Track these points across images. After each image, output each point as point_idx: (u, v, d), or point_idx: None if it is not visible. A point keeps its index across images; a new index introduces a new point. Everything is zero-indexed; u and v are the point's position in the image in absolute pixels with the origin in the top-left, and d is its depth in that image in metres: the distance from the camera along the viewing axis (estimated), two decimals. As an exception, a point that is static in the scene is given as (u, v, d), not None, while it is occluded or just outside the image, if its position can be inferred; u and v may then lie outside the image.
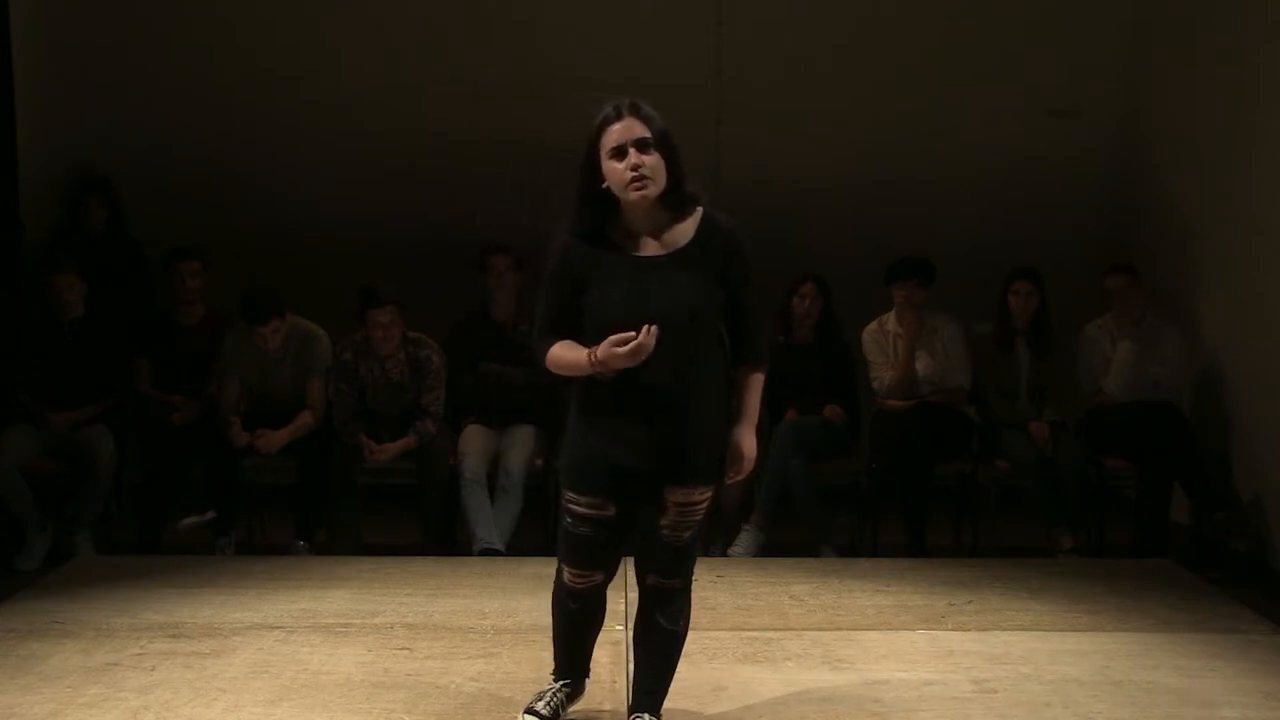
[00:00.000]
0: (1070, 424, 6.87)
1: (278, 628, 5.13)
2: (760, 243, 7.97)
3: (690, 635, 4.96)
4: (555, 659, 4.04)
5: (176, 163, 7.92)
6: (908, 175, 8.03)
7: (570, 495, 3.77)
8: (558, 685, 4.01)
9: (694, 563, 3.87)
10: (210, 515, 6.55)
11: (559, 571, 3.89)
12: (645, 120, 3.63)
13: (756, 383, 3.80)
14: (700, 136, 8.03)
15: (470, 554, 6.40)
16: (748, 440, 3.77)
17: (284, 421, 6.64)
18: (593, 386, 3.68)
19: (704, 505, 3.75)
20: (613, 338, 3.52)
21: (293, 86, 7.97)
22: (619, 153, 3.60)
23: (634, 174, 3.58)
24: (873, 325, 6.99)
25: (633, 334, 3.50)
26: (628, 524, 3.75)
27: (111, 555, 6.46)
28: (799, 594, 5.69)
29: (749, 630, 5.13)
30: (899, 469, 6.69)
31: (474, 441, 6.68)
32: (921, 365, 6.87)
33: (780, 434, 6.67)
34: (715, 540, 6.66)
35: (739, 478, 3.83)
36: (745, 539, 6.57)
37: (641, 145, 3.60)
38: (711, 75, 8.08)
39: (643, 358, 3.51)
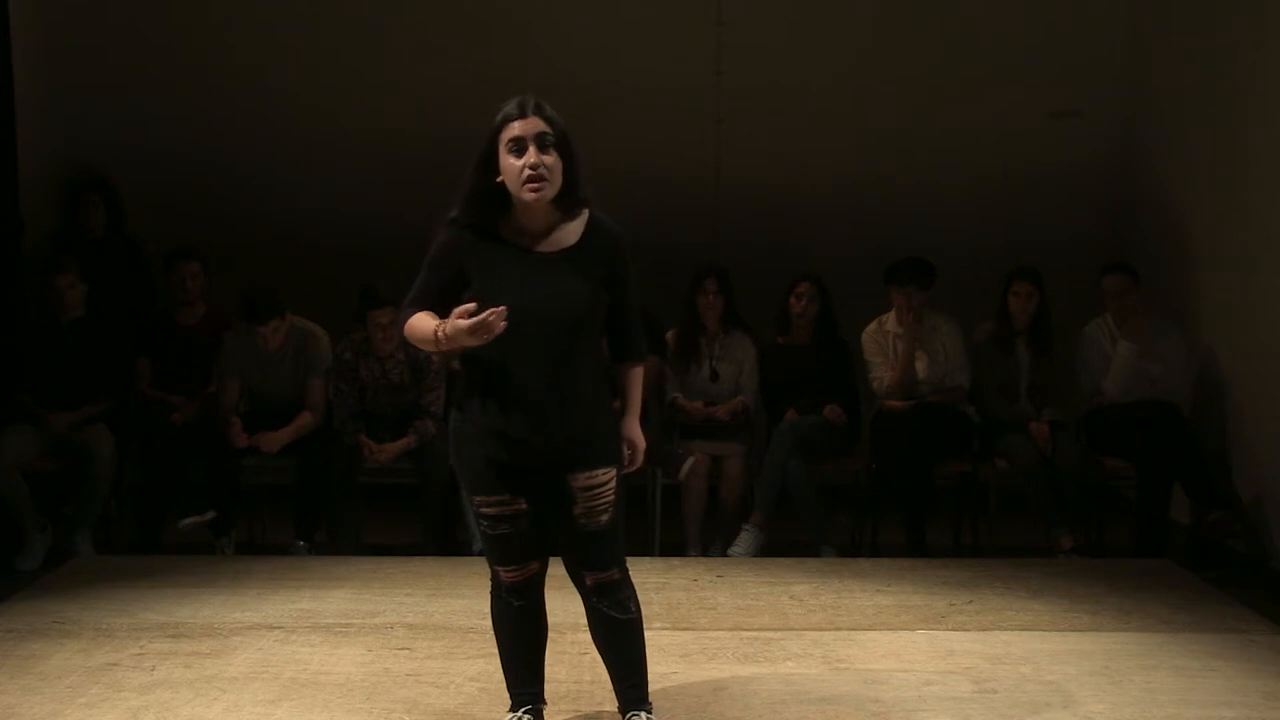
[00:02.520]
0: (1070, 424, 6.87)
1: (278, 628, 5.14)
2: (760, 243, 8.08)
3: (690, 635, 5.00)
4: (510, 689, 3.98)
5: (176, 163, 7.92)
6: (908, 175, 8.03)
7: (478, 499, 3.79)
8: (520, 714, 3.94)
9: (623, 548, 3.88)
10: (210, 515, 6.54)
11: (494, 580, 3.91)
12: (548, 120, 3.63)
13: (638, 376, 3.93)
14: (700, 136, 8.07)
15: (470, 554, 6.40)
16: (636, 430, 3.90)
17: (284, 421, 6.64)
18: (479, 380, 3.72)
19: (610, 486, 3.77)
20: (459, 309, 3.53)
21: (293, 87, 7.98)
22: (518, 148, 3.60)
23: (531, 172, 3.58)
24: (872, 325, 6.99)
25: (482, 315, 3.49)
26: (542, 511, 3.77)
27: (111, 555, 6.46)
28: (799, 594, 5.69)
29: (749, 630, 5.14)
30: (899, 469, 6.69)
31: (474, 442, 6.67)
32: (921, 365, 6.87)
33: (780, 434, 6.67)
34: (715, 540, 6.66)
35: (632, 468, 3.92)
36: (745, 539, 6.57)
37: (542, 143, 3.60)
38: (711, 75, 8.08)
39: (486, 338, 3.50)
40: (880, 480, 6.79)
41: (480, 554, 6.30)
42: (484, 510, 3.79)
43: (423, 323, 3.67)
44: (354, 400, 6.69)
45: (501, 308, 3.50)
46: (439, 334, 3.58)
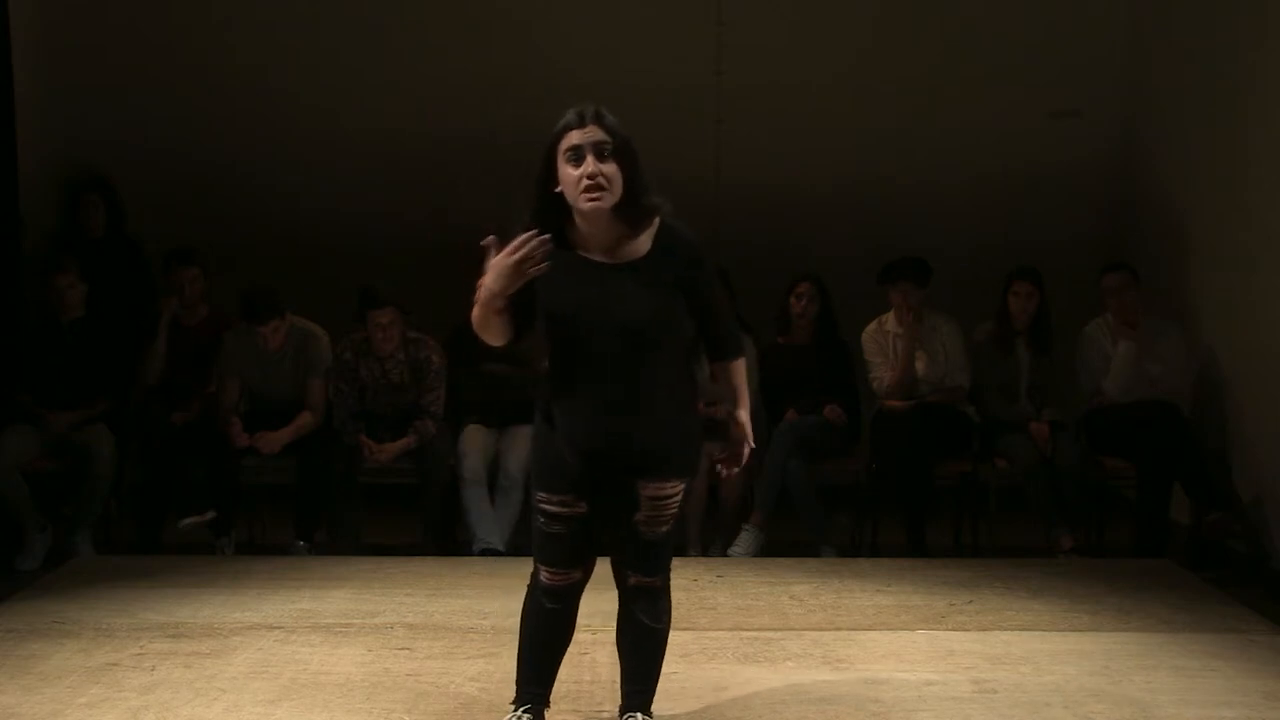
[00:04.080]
0: (1070, 424, 6.87)
1: (278, 628, 5.14)
2: (760, 243, 8.09)
3: (690, 635, 5.00)
4: (518, 683, 3.95)
5: (176, 163, 7.92)
6: (908, 175, 8.03)
7: (541, 495, 3.78)
8: (519, 713, 3.92)
9: (671, 559, 3.89)
10: (210, 515, 6.54)
11: (534, 575, 3.89)
12: (607, 128, 3.58)
13: (739, 370, 3.89)
14: (700, 136, 8.07)
15: (470, 554, 6.40)
16: (744, 419, 3.87)
17: (284, 421, 6.64)
18: (554, 387, 3.71)
19: (677, 498, 3.77)
20: (493, 249, 3.52)
21: (293, 87, 7.97)
22: (576, 157, 3.56)
23: (589, 181, 3.54)
24: (872, 325, 7.00)
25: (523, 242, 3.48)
26: (600, 521, 3.76)
27: (111, 555, 6.46)
28: (799, 594, 5.69)
29: (749, 630, 5.14)
30: (899, 469, 6.69)
31: (474, 441, 6.68)
32: (921, 365, 6.87)
33: (780, 434, 6.67)
34: (715, 540, 6.66)
35: (742, 463, 3.88)
36: (745, 539, 6.57)
37: (600, 152, 3.56)
38: (711, 75, 8.08)
39: (533, 269, 3.48)
40: (880, 480, 6.79)
41: (480, 554, 6.35)
42: (544, 506, 3.77)
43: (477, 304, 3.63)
44: (354, 400, 6.69)
45: (546, 235, 3.48)
46: (479, 294, 3.54)
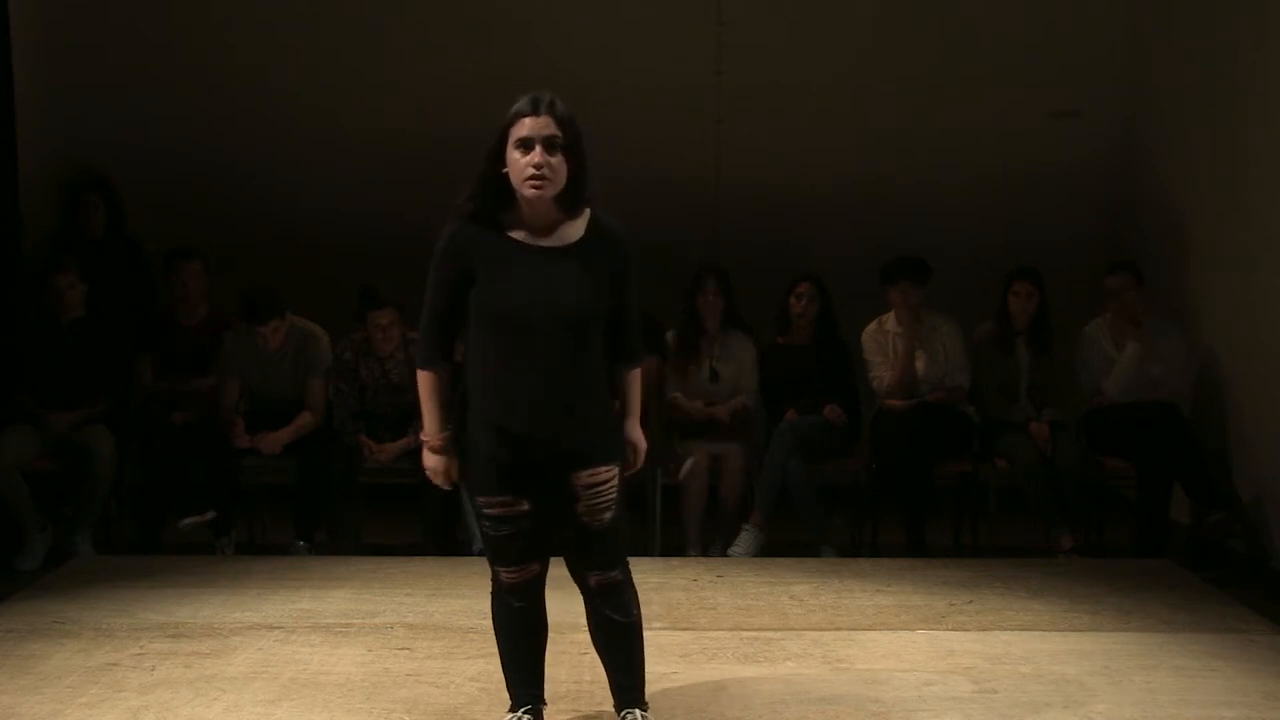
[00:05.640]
0: (1070, 424, 6.87)
1: (278, 628, 5.14)
2: (760, 243, 8.09)
3: (690, 635, 5.00)
4: (511, 689, 3.98)
5: (176, 163, 7.92)
6: (908, 175, 8.03)
7: (481, 500, 3.79)
8: (520, 714, 3.94)
9: (626, 549, 3.89)
10: (210, 515, 6.54)
11: (494, 579, 3.91)
12: (560, 121, 3.60)
13: (635, 378, 3.93)
14: (700, 136, 8.07)
15: (470, 554, 6.40)
16: (637, 433, 3.90)
17: (284, 421, 6.64)
18: (475, 386, 3.76)
19: (613, 483, 3.76)
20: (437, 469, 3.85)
21: (293, 87, 7.97)
22: (526, 146, 3.59)
23: (534, 171, 3.57)
24: (872, 325, 7.00)
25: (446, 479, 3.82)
26: (545, 512, 3.76)
27: (111, 555, 6.46)
28: (799, 594, 5.69)
29: (749, 630, 5.14)
30: (899, 469, 6.69)
31: (474, 442, 6.67)
32: (921, 365, 6.87)
33: (779, 434, 6.67)
34: (715, 540, 6.66)
35: (634, 470, 3.90)
36: (745, 539, 6.57)
37: (549, 145, 3.58)
38: (711, 75, 8.08)
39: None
40: (880, 480, 6.79)
41: (480, 554, 6.32)
42: (486, 511, 3.78)
43: (428, 400, 3.92)
44: (354, 400, 6.69)
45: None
46: (423, 436, 3.91)
